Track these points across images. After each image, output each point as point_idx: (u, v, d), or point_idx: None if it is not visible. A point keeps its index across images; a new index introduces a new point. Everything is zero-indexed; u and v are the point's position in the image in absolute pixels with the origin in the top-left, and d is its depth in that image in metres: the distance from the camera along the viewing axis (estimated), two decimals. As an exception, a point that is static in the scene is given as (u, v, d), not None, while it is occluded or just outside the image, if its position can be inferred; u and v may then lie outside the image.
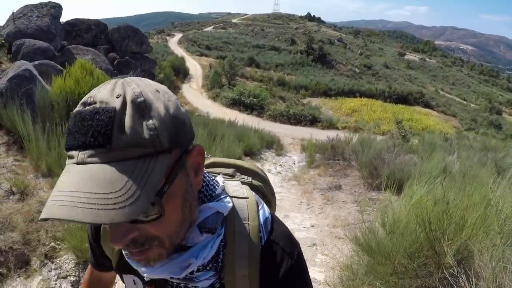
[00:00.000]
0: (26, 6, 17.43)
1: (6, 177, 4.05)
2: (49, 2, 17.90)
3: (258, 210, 0.95)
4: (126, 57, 22.16)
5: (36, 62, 8.20)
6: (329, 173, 7.98)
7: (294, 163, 11.04)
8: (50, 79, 6.78)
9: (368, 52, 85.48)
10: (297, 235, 4.87)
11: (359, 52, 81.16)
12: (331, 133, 15.10)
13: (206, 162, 1.14)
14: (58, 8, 18.02)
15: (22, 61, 7.47)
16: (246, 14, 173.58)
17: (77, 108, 0.68)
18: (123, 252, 0.88)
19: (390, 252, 2.40)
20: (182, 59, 44.55)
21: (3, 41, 13.76)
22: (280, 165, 10.77)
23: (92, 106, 0.66)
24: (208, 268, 0.89)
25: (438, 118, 43.26)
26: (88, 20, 24.01)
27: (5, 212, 3.53)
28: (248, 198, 0.97)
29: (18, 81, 6.14)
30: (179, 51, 53.47)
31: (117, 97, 0.66)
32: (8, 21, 16.37)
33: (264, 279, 0.91)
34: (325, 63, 60.90)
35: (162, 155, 0.67)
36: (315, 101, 38.98)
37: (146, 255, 0.76)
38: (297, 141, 18.05)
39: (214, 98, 32.62)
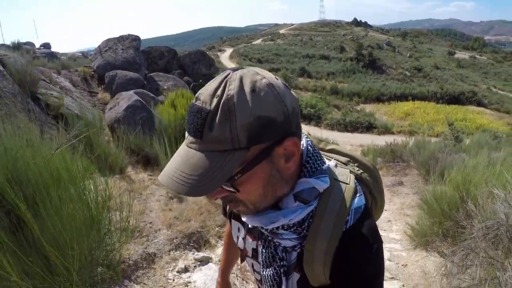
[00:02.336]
0: (109, 40, 19.57)
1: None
2: (129, 35, 20.14)
3: (353, 197, 1.06)
4: (200, 80, 24.20)
5: (133, 92, 9.39)
6: (391, 173, 9.43)
7: (358, 167, 12.61)
8: (149, 105, 8.08)
9: (418, 54, 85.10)
10: (381, 217, 6.77)
11: (408, 54, 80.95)
12: (388, 138, 15.96)
13: (327, 147, 1.30)
14: (138, 41, 20.19)
15: (130, 92, 8.85)
16: (293, 24, 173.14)
17: (193, 101, 0.91)
18: None
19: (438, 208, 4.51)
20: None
21: (93, 73, 15.72)
22: None
23: (198, 103, 0.88)
24: (292, 229, 1.04)
25: (491, 116, 42.57)
26: (160, 47, 26.16)
27: (178, 210, 4.78)
28: (348, 184, 1.07)
29: (133, 110, 7.41)
30: (232, 67, 54.82)
31: (216, 98, 0.85)
32: (95, 54, 18.44)
33: (338, 260, 1.01)
34: (375, 68, 61.49)
35: (239, 151, 0.86)
36: (368, 107, 39.42)
37: (237, 208, 1.03)
38: (355, 147, 19.14)
39: None
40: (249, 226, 1.22)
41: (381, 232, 5.37)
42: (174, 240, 4.19)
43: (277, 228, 1.03)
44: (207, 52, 41.61)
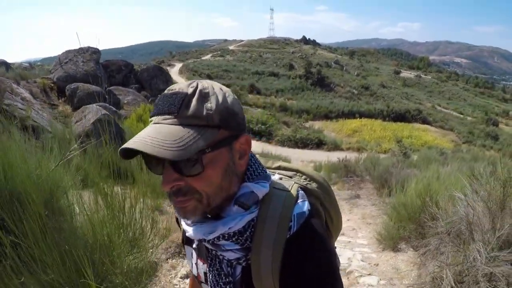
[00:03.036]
0: (68, 52, 19.30)
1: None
2: (89, 47, 19.84)
3: (295, 203, 1.05)
4: (158, 95, 24.08)
5: (96, 105, 9.37)
6: (346, 187, 9.76)
7: (311, 183, 12.73)
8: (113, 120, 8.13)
9: (365, 73, 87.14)
10: (344, 227, 6.93)
11: (355, 73, 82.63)
12: (337, 154, 16.54)
13: (274, 165, 1.32)
14: (98, 53, 20.28)
15: (95, 106, 8.85)
16: (242, 40, 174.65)
17: (165, 91, 0.99)
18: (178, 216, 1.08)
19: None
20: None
21: (52, 85, 15.32)
22: None
23: (172, 90, 0.97)
24: (233, 239, 1.02)
25: (436, 133, 44.23)
26: (118, 61, 26.28)
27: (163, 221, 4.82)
28: (289, 191, 1.08)
29: (101, 124, 7.23)
30: (182, 82, 54.83)
31: (191, 87, 0.96)
32: (55, 65, 18.12)
33: (285, 268, 0.99)
34: (324, 86, 62.25)
35: (211, 129, 0.93)
36: (317, 124, 40.30)
37: (185, 205, 0.98)
38: (306, 163, 19.62)
39: None
40: (194, 246, 1.20)
41: (349, 239, 6.12)
42: (169, 249, 4.30)
43: (218, 238, 1.02)
44: (144, 65, 41.52)
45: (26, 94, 9.23)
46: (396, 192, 5.92)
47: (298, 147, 28.26)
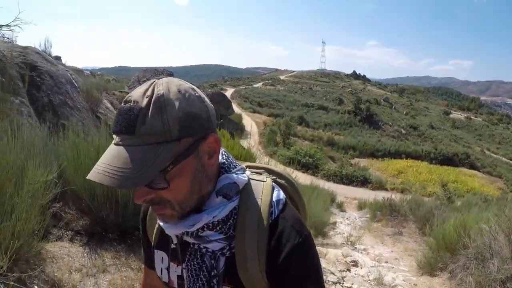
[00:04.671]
0: (146, 71, 20.83)
1: None
2: (164, 69, 21.28)
3: (272, 191, 1.10)
4: (221, 120, 25.52)
5: None
6: (390, 225, 10.49)
7: (356, 218, 13.58)
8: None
9: (414, 112, 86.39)
10: (386, 255, 7.96)
11: (404, 112, 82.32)
12: (381, 194, 17.02)
13: (241, 164, 1.25)
14: (171, 76, 21.45)
15: None
16: (293, 71, 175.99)
17: (121, 104, 0.93)
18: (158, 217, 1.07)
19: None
20: (240, 116, 46.25)
21: None
22: (347, 218, 13.49)
23: (128, 104, 0.91)
24: (218, 228, 1.04)
25: (483, 179, 43.11)
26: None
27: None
28: (265, 181, 1.13)
29: None
30: (233, 107, 55.46)
31: (146, 98, 0.90)
32: (133, 82, 19.75)
33: (271, 252, 1.02)
34: (372, 123, 62.37)
35: (170, 143, 0.90)
36: (363, 162, 40.33)
37: (163, 212, 1.00)
38: (350, 199, 20.07)
39: (271, 155, 33.97)
40: (173, 246, 1.15)
41: (392, 265, 7.06)
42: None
43: (202, 229, 1.03)
44: (209, 90, 43.16)
45: (108, 105, 10.20)
46: (437, 226, 6.82)
47: (343, 183, 28.60)
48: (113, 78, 32.99)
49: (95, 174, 0.89)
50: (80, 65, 19.53)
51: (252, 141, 38.71)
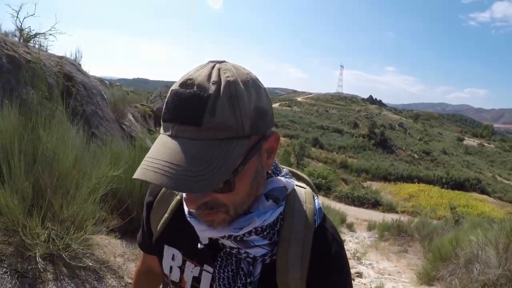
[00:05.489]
0: (167, 87, 22.09)
1: None
2: None
3: (314, 199, 1.02)
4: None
5: None
6: (397, 244, 10.99)
7: (365, 238, 14.07)
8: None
9: (427, 138, 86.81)
10: (389, 269, 8.53)
11: (418, 137, 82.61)
12: (392, 216, 16.93)
13: (285, 169, 1.16)
14: None
15: None
16: (310, 93, 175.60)
17: (175, 87, 0.79)
18: (187, 214, 0.95)
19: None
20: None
21: (151, 113, 17.66)
22: (356, 237, 14.05)
23: (190, 88, 0.76)
24: (264, 233, 0.93)
25: (494, 204, 43.40)
26: None
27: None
28: (305, 188, 1.04)
29: None
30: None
31: (213, 84, 0.75)
32: (155, 97, 20.97)
33: (314, 259, 0.94)
34: (385, 147, 63.12)
35: (242, 139, 0.77)
36: (375, 185, 40.74)
37: (213, 218, 0.87)
38: (360, 221, 20.57)
39: None
40: (200, 246, 0.99)
41: (394, 277, 7.56)
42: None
43: (250, 233, 0.91)
44: None
45: (130, 117, 10.31)
46: (436, 242, 7.54)
47: (355, 205, 28.99)
48: (131, 90, 31.70)
49: (149, 173, 0.73)
50: (98, 74, 19.19)
51: (267, 162, 39.42)
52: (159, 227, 1.13)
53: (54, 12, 6.50)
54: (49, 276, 2.34)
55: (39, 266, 2.28)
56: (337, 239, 1.00)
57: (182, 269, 1.09)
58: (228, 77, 0.78)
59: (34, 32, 6.68)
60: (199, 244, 0.98)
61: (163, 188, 1.13)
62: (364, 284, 6.73)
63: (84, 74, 6.62)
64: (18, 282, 2.16)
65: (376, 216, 20.99)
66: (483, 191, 48.93)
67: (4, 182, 2.38)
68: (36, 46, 6.49)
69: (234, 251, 0.96)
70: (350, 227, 17.14)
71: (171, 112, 0.77)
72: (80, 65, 7.26)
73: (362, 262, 9.02)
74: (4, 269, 2.18)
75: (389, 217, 15.98)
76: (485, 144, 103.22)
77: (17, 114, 3.12)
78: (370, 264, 8.99)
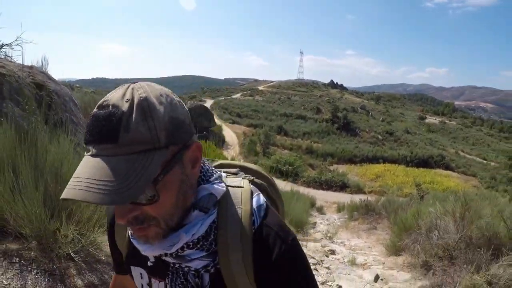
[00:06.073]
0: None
1: None
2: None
3: (251, 197, 1.01)
4: (204, 132, 26.43)
5: None
6: (366, 222, 11.42)
7: (335, 219, 14.42)
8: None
9: (390, 118, 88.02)
10: (360, 245, 8.89)
11: (381, 118, 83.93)
12: (360, 197, 17.55)
13: (214, 164, 1.24)
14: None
15: None
16: (272, 81, 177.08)
17: (94, 110, 0.83)
18: (129, 233, 1.00)
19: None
20: (220, 127, 47.09)
21: None
22: (326, 219, 14.38)
23: (106, 109, 0.80)
24: (199, 246, 0.94)
25: (458, 179, 44.49)
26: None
27: None
28: (243, 187, 1.03)
29: None
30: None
31: (126, 102, 0.80)
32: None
33: (258, 263, 0.94)
34: (349, 130, 63.66)
35: (159, 151, 0.81)
36: (341, 168, 41.14)
37: (146, 233, 0.89)
38: (329, 203, 20.91)
39: None
40: (150, 264, 1.05)
41: (365, 251, 8.03)
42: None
43: (182, 249, 0.94)
44: (188, 101, 44.15)
45: None
46: (400, 215, 8.03)
47: (323, 189, 29.29)
48: (91, 90, 32.08)
49: (74, 191, 0.76)
50: (56, 77, 18.82)
51: (232, 151, 39.34)
52: (124, 248, 1.15)
53: (19, 22, 6.58)
54: (73, 272, 2.70)
55: (63, 265, 2.67)
56: (281, 236, 0.98)
57: (150, 286, 1.11)
58: (140, 94, 0.83)
59: (0, 43, 6.69)
60: (148, 262, 1.05)
61: None
62: (338, 259, 7.06)
63: (55, 82, 6.64)
64: (50, 280, 2.48)
65: (344, 198, 21.40)
66: (447, 167, 50.08)
67: (15, 192, 2.63)
68: (2, 56, 6.47)
69: (177, 266, 1.00)
70: (320, 210, 17.47)
71: (90, 134, 0.81)
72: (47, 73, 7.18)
73: (334, 241, 9.35)
74: (35, 271, 2.49)
75: (357, 198, 16.47)
76: (446, 121, 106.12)
77: (12, 129, 3.32)
78: (342, 242, 9.35)
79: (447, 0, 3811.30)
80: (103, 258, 3.06)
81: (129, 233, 1.00)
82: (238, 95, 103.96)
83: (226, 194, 1.01)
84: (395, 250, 7.25)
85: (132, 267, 1.14)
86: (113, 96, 0.83)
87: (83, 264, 2.85)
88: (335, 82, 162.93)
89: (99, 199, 0.74)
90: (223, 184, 1.02)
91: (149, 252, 0.94)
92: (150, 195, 0.83)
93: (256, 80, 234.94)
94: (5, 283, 2.30)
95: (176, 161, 0.86)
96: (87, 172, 0.78)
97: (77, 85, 36.06)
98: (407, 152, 52.91)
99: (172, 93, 0.91)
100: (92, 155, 0.81)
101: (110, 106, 0.80)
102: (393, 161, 47.98)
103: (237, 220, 0.97)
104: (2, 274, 2.35)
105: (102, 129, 0.79)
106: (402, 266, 6.44)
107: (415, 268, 5.92)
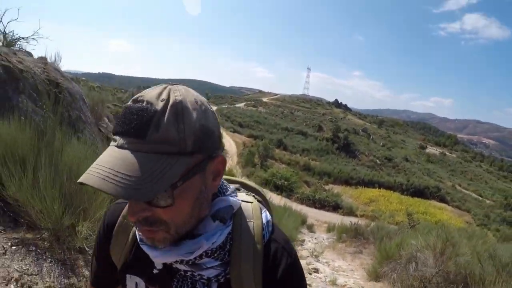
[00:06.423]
0: (139, 88, 23.14)
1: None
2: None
3: (261, 212, 1.05)
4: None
5: None
6: (353, 245, 11.59)
7: (323, 239, 14.46)
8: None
9: (390, 144, 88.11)
10: (344, 267, 9.15)
11: (381, 143, 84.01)
12: (351, 219, 17.91)
13: (232, 186, 1.16)
14: None
15: None
16: (277, 94, 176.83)
17: (128, 103, 0.84)
18: (138, 238, 0.98)
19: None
20: (221, 135, 46.78)
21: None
22: (315, 238, 14.48)
23: (140, 103, 0.81)
24: (215, 255, 0.96)
25: (452, 212, 44.68)
26: None
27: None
28: (252, 202, 1.07)
29: None
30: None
31: (162, 101, 0.80)
32: (128, 98, 21.40)
33: (266, 274, 0.98)
34: (348, 152, 63.71)
35: (184, 156, 0.81)
36: (336, 188, 41.29)
37: (153, 236, 0.88)
38: (320, 222, 21.00)
39: (249, 176, 35.26)
40: (155, 271, 1.03)
41: (347, 274, 8.34)
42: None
43: (200, 256, 0.94)
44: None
45: (105, 118, 10.13)
46: (385, 243, 8.30)
47: (316, 207, 29.46)
48: (97, 85, 31.61)
49: (93, 177, 0.77)
50: (63, 68, 18.64)
51: (230, 161, 39.39)
52: (121, 257, 1.13)
53: (37, 17, 6.44)
54: (81, 263, 2.97)
55: (73, 256, 2.96)
56: (287, 250, 1.03)
57: None
58: (176, 96, 0.83)
59: (17, 36, 6.99)
60: (154, 270, 1.02)
61: (119, 220, 1.14)
62: (320, 278, 7.33)
63: (68, 80, 6.78)
64: (63, 269, 2.76)
65: (336, 218, 21.50)
66: (442, 200, 50.18)
67: (34, 188, 2.85)
68: (18, 49, 6.71)
69: (188, 274, 1.00)
70: (310, 228, 17.54)
71: (120, 125, 0.82)
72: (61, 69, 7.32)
73: (319, 260, 9.54)
74: (49, 259, 2.76)
75: (349, 220, 16.53)
76: (447, 153, 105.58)
77: (29, 127, 3.50)
78: (326, 262, 9.53)
79: (461, 31, 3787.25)
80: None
81: (138, 239, 0.98)
82: (241, 105, 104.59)
83: (239, 208, 1.04)
84: (375, 276, 7.51)
85: (127, 276, 1.12)
86: (149, 93, 0.84)
87: (89, 257, 3.00)
88: (339, 102, 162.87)
89: (114, 191, 0.74)
90: (239, 198, 1.06)
91: (163, 258, 0.93)
92: (165, 200, 0.83)
93: (261, 91, 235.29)
94: (24, 268, 2.53)
95: (199, 170, 0.86)
96: (109, 161, 0.79)
97: (83, 78, 36.04)
98: (404, 180, 52.92)
99: (207, 102, 0.92)
100: (117, 146, 0.82)
101: (145, 102, 0.82)
102: (389, 187, 48.10)
103: (250, 233, 1.00)
104: (21, 260, 2.58)
105: (132, 122, 0.80)
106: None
107: (390, 295, 6.25)
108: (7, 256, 2.57)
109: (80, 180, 0.77)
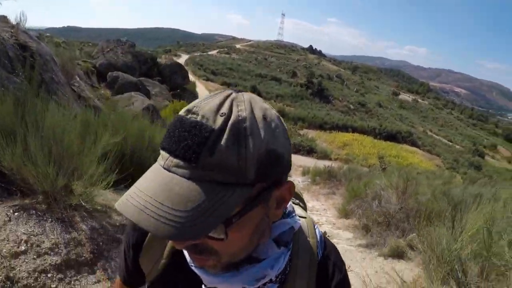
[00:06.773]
0: (108, 42, 22.85)
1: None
2: (127, 41, 23.55)
3: (315, 228, 0.98)
4: (178, 90, 26.47)
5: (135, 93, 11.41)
6: (327, 187, 12.14)
7: (299, 182, 14.80)
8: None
9: (364, 90, 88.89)
10: (317, 207, 9.69)
11: (355, 89, 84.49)
12: (326, 163, 18.35)
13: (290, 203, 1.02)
14: (134, 47, 23.80)
15: (138, 95, 10.73)
16: (250, 40, 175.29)
17: (181, 112, 0.70)
18: (190, 262, 0.85)
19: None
20: (194, 84, 45.58)
21: (93, 69, 17.37)
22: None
23: (194, 116, 0.67)
24: (277, 279, 0.88)
25: (423, 156, 45.97)
26: (145, 53, 28.87)
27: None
28: (306, 218, 1.00)
29: (148, 112, 9.38)
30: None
31: (221, 116, 0.66)
32: (97, 52, 20.78)
33: None
34: (322, 97, 64.17)
35: (241, 187, 0.66)
36: (311, 133, 41.66)
37: (203, 264, 0.78)
38: (296, 167, 21.18)
39: None
40: None
41: (320, 213, 8.82)
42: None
43: (264, 284, 0.85)
44: (163, 55, 43.52)
45: (76, 77, 10.31)
46: (352, 182, 9.06)
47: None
48: (62, 40, 30.02)
49: (131, 207, 0.65)
50: (28, 23, 17.05)
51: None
52: (152, 271, 1.00)
53: None
54: (78, 219, 3.23)
55: (69, 214, 3.19)
56: (338, 267, 0.98)
57: None
58: (240, 111, 0.68)
59: None
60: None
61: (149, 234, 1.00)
62: None
63: (36, 41, 6.54)
64: (63, 226, 3.02)
65: (310, 162, 21.87)
66: (413, 144, 51.13)
67: (25, 155, 3.03)
68: None
69: None
70: None
71: (168, 140, 0.69)
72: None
73: (294, 202, 10.05)
74: (50, 219, 3.00)
75: (323, 163, 17.09)
76: (419, 100, 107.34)
77: (9, 97, 3.56)
78: None
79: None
80: (99, 208, 3.57)
81: (189, 260, 0.85)
82: (214, 52, 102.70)
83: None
84: (345, 213, 8.04)
85: None
86: (207, 104, 0.69)
87: (84, 213, 3.34)
88: (314, 48, 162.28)
89: (152, 227, 0.62)
90: (298, 217, 0.94)
91: (221, 285, 0.82)
92: (217, 233, 0.69)
93: (234, 38, 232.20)
94: (29, 230, 2.79)
95: (261, 201, 0.72)
96: (151, 187, 0.66)
97: (47, 34, 33.80)
98: (377, 124, 53.49)
99: (279, 117, 0.76)
100: (164, 167, 0.68)
101: (199, 116, 0.67)
102: (362, 131, 48.49)
103: (307, 250, 0.93)
104: (25, 223, 2.83)
105: (182, 141, 0.66)
106: (348, 227, 7.21)
107: (357, 229, 6.81)
108: (12, 222, 2.79)
109: (116, 206, 0.67)
